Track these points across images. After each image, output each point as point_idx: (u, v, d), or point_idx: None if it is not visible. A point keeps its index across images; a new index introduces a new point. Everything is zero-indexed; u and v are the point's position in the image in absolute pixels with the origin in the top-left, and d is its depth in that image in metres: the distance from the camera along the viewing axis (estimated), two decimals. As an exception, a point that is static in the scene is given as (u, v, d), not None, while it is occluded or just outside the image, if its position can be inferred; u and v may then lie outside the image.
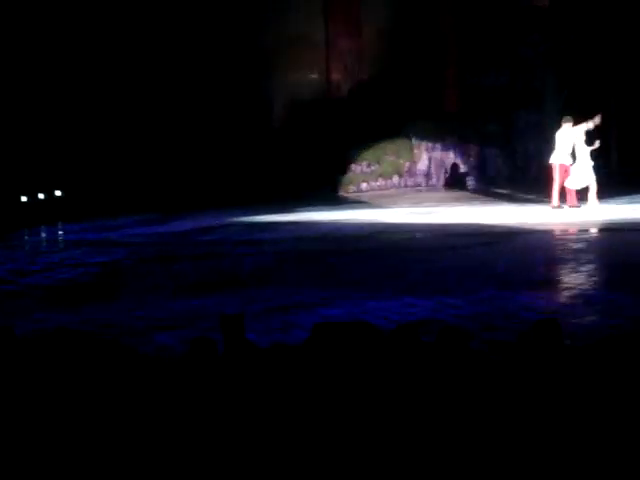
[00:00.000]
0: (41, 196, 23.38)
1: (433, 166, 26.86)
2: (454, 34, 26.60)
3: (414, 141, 26.73)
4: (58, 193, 23.75)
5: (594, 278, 14.05)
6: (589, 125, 20.30)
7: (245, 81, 26.95)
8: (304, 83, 27.75)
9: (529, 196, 23.23)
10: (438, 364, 6.32)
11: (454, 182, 26.45)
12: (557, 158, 20.49)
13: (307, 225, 20.40)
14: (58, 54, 25.05)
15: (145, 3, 26.08)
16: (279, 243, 18.13)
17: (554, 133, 21.62)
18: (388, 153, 26.47)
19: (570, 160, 20.39)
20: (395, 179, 26.67)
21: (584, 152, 20.37)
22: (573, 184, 20.36)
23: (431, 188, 26.53)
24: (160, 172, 25.39)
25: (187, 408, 6.08)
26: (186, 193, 24.80)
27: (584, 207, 20.37)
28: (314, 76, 27.90)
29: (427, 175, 26.89)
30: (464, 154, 26.61)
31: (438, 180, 26.83)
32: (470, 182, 26.16)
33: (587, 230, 18.48)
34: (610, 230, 18.20)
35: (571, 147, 20.41)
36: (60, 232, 21.46)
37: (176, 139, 26.19)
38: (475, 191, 25.55)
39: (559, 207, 20.47)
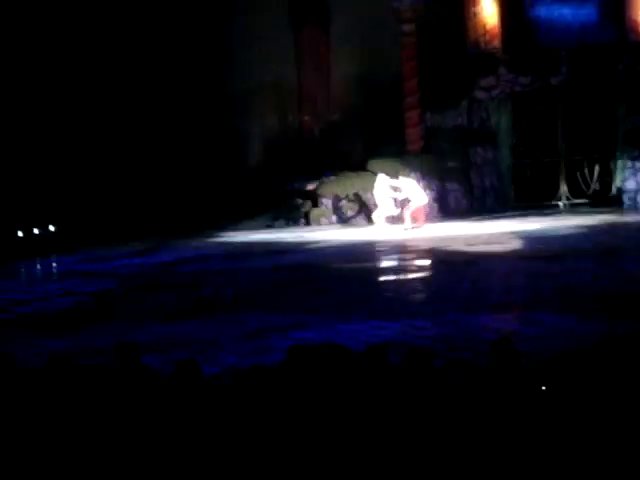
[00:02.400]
0: (36, 231, 23.30)
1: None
2: (416, 78, 26.75)
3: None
4: (52, 228, 23.70)
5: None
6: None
7: (220, 124, 27.22)
8: (278, 125, 28.10)
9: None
10: (404, 382, 6.32)
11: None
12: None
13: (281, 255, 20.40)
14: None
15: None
16: (255, 272, 18.10)
17: (506, 169, 22.48)
18: (354, 187, 26.61)
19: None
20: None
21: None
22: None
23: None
24: (143, 206, 25.59)
25: (177, 423, 6.06)
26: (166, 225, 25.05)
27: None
28: (288, 119, 28.23)
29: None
30: (426, 189, 26.72)
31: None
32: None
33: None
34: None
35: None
36: (54, 264, 21.35)
37: (157, 176, 26.35)
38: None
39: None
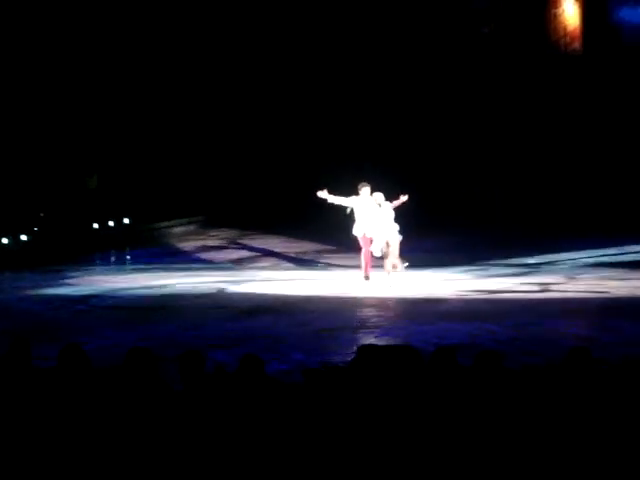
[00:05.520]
0: (111, 223, 23.44)
1: None
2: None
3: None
4: (126, 221, 23.81)
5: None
6: (395, 204, 15.81)
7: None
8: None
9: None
10: (474, 383, 6.28)
11: None
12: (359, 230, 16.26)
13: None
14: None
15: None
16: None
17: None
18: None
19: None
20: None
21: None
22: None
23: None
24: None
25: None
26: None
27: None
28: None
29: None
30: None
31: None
32: None
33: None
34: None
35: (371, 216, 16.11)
36: (127, 257, 21.51)
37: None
38: None
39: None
